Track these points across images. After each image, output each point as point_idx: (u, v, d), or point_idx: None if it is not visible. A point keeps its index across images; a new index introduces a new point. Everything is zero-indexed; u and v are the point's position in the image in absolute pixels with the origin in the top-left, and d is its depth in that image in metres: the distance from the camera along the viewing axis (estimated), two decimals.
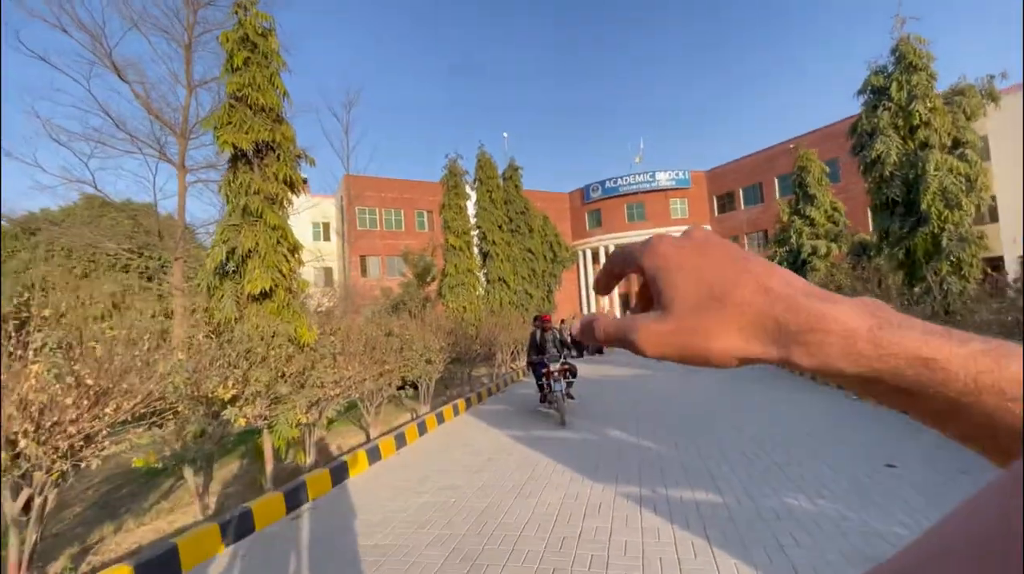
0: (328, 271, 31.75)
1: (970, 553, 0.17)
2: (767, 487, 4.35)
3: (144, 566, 3.15)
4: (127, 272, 11.60)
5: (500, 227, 16.43)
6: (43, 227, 13.03)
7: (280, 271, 5.72)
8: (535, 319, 8.19)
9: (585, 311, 37.26)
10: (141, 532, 4.56)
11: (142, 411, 3.97)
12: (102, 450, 3.60)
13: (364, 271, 32.28)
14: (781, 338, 0.27)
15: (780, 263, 14.69)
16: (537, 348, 7.72)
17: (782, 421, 6.73)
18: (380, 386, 7.35)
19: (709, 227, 37.46)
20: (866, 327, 0.25)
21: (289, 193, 6.17)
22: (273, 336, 5.55)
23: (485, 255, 16.28)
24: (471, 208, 15.87)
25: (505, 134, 26.46)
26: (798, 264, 14.30)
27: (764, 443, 5.70)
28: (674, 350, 0.30)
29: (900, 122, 7.86)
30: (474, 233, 15.89)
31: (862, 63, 9.44)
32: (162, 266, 10.22)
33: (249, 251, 5.65)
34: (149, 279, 11.10)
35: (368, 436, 7.29)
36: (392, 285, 24.21)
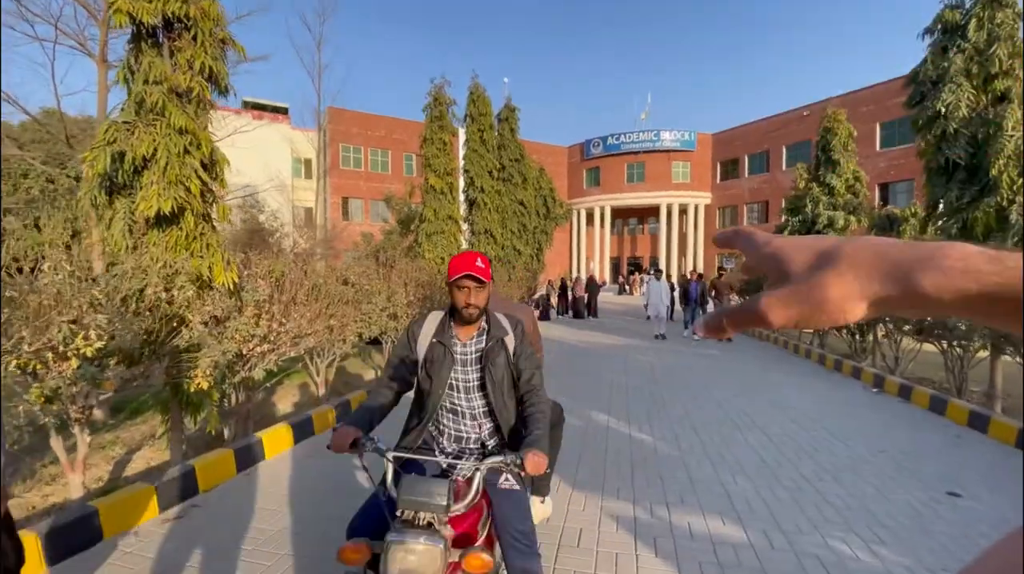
0: (309, 212, 29.99)
1: None
2: (802, 518, 3.28)
3: None
4: (52, 183, 9.87)
5: (491, 173, 14.85)
6: None
7: (187, 188, 4.36)
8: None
9: (575, 273, 36.10)
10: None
11: None
12: None
13: (346, 214, 30.53)
14: (899, 273, 0.27)
15: (792, 233, 13.50)
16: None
17: (800, 416, 5.69)
18: (331, 341, 6.15)
19: (710, 195, 36.05)
20: (979, 250, 0.26)
21: (208, 90, 4.71)
22: (174, 275, 4.26)
23: (471, 203, 14.77)
24: (460, 149, 14.24)
25: (506, 79, 24.32)
26: None
27: (783, 446, 4.65)
28: (796, 311, 0.31)
29: (975, 69, 6.51)
30: (460, 179, 14.32)
31: (895, 26, 7.92)
32: (77, 179, 8.64)
33: (144, 160, 4.26)
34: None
35: (318, 399, 6.16)
36: (375, 231, 22.68)
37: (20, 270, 3.28)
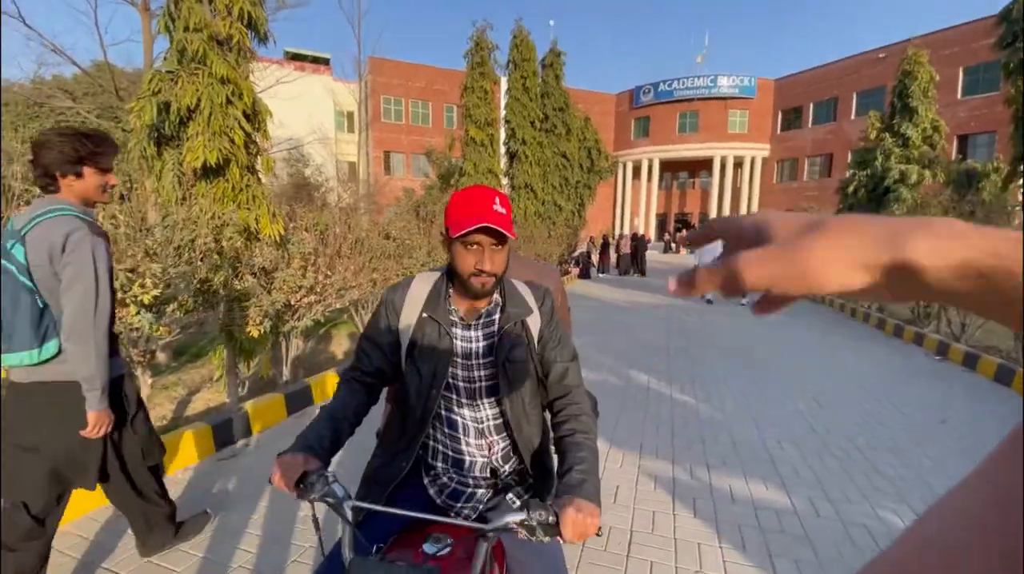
0: (352, 166, 30.26)
1: (968, 526, 0.17)
2: (851, 487, 3.14)
3: None
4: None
5: (532, 124, 14.34)
6: (54, 97, 11.77)
7: (231, 140, 4.39)
8: None
9: (619, 230, 35.24)
10: None
11: None
12: None
13: (388, 168, 30.63)
14: (890, 236, 0.26)
15: (858, 189, 12.54)
16: None
17: (855, 382, 5.42)
18: (375, 294, 6.27)
19: (768, 146, 33.83)
20: (969, 224, 0.25)
21: (247, 37, 4.64)
22: (223, 226, 4.36)
23: (512, 156, 14.40)
24: (502, 98, 13.74)
25: (551, 21, 22.99)
26: (879, 192, 12.12)
27: (835, 413, 4.44)
28: (777, 270, 0.28)
29: None
30: (501, 130, 13.92)
31: None
32: (129, 132, 8.95)
33: (189, 110, 4.29)
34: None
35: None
36: (415, 186, 22.69)
37: None
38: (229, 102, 4.40)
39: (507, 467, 1.35)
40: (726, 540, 2.56)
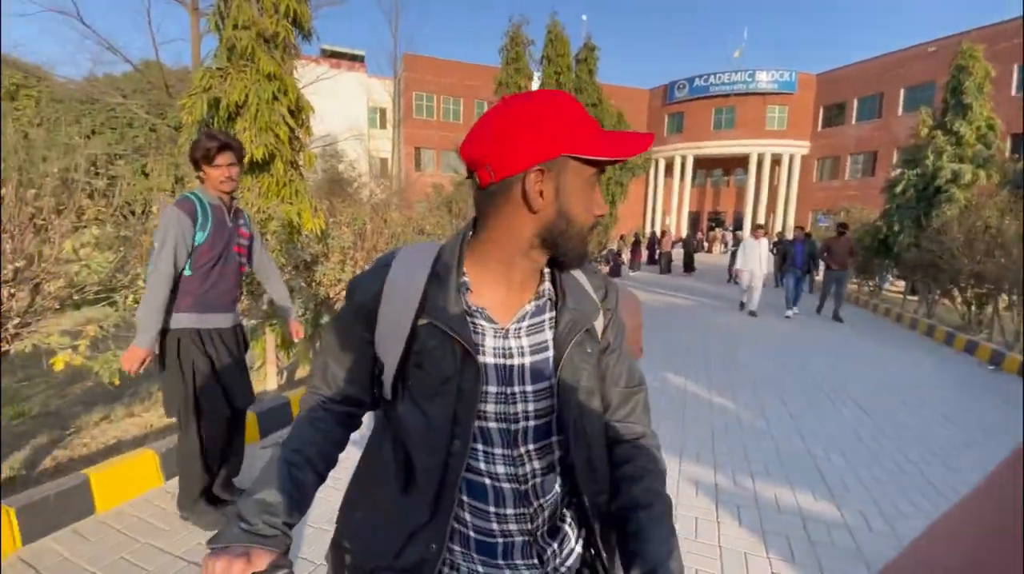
0: (384, 162, 30.66)
1: (973, 538, 0.17)
2: (904, 501, 3.01)
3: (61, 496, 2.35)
4: (154, 132, 10.74)
5: None
6: (108, 93, 12.24)
7: (277, 135, 4.48)
8: None
9: (649, 227, 34.73)
10: (125, 424, 3.95)
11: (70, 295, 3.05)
12: (13, 336, 2.75)
13: (418, 165, 30.93)
14: None
15: (907, 189, 12.00)
16: None
17: (903, 392, 5.19)
18: None
19: (808, 144, 32.70)
20: None
21: (292, 34, 4.73)
22: (267, 220, 4.47)
23: None
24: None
25: (584, 16, 22.69)
26: (930, 192, 11.56)
27: (884, 423, 4.26)
28: None
29: None
30: None
31: None
32: (176, 128, 9.27)
33: (237, 106, 4.40)
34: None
35: None
36: (444, 182, 22.83)
37: (133, 213, 3.56)
38: (275, 98, 4.49)
39: (562, 548, 0.87)
40: (774, 551, 2.48)
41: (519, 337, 0.82)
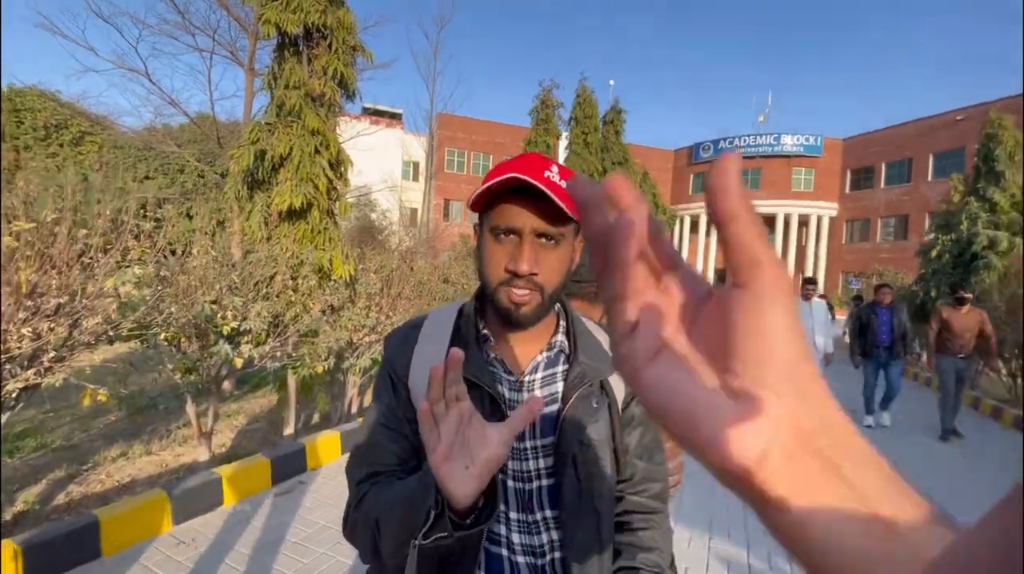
0: (414, 212, 31.68)
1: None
2: None
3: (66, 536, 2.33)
4: (203, 178, 11.44)
5: (593, 177, 14.63)
6: (164, 143, 13.21)
7: (315, 186, 4.70)
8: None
9: None
10: (141, 463, 3.96)
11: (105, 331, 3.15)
12: (47, 370, 2.82)
13: (447, 215, 31.87)
14: None
15: (942, 255, 11.73)
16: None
17: (946, 469, 4.84)
18: None
19: (836, 205, 32.58)
20: None
21: (338, 94, 5.05)
22: (299, 265, 4.60)
23: None
24: (562, 152, 14.13)
25: (611, 81, 23.74)
26: (966, 258, 11.27)
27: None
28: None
29: None
30: None
31: None
32: (222, 175, 9.88)
33: (281, 158, 4.66)
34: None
35: None
36: (470, 233, 23.34)
37: (173, 252, 3.71)
38: (317, 151, 4.74)
39: None
40: None
41: (532, 389, 0.81)
